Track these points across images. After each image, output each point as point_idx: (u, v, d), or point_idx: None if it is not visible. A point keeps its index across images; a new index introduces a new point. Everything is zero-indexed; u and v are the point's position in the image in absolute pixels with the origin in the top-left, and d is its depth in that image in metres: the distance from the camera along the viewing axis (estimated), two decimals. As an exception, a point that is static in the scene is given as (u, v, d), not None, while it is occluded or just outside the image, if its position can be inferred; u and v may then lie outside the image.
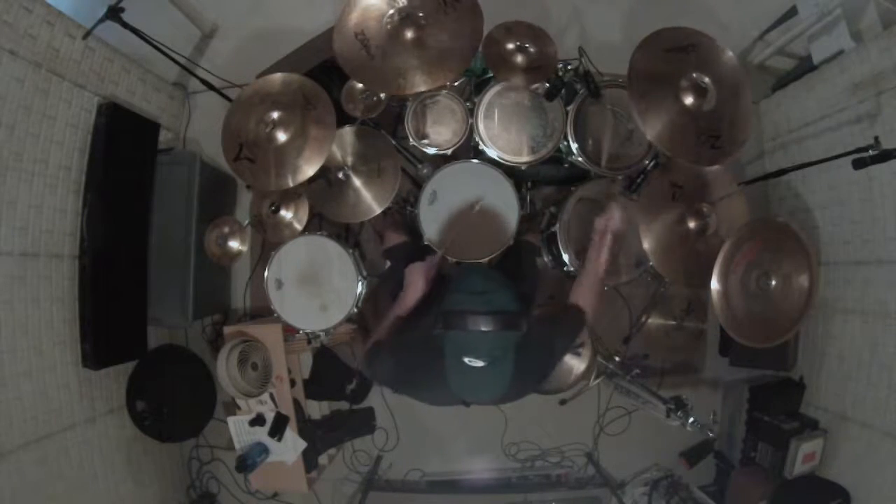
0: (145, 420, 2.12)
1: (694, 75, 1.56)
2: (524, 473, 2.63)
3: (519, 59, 1.76)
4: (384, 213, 1.92)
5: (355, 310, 1.93)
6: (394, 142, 1.98)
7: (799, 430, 2.23)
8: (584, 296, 1.45)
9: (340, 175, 1.89)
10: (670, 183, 1.78)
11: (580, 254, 1.89)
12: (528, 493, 2.54)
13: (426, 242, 1.85)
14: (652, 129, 1.51)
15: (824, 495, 2.09)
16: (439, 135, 1.95)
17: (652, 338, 2.47)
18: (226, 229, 2.04)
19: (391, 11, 1.61)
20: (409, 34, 1.59)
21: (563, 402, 2.51)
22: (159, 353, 2.28)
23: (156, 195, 2.14)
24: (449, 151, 1.93)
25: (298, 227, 1.98)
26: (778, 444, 2.22)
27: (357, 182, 1.91)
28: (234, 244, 2.04)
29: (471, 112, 1.90)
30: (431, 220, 1.86)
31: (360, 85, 1.90)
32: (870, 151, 1.52)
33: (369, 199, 1.90)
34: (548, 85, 1.81)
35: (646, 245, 1.73)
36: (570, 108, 1.90)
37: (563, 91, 1.84)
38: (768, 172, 1.98)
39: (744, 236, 1.70)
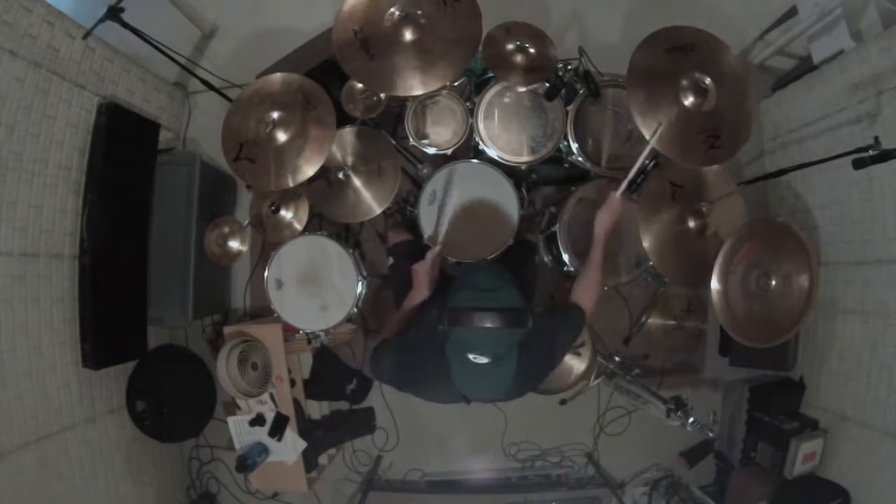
0: (145, 420, 2.12)
1: (695, 75, 1.55)
2: (524, 473, 2.63)
3: (519, 59, 1.76)
4: (385, 213, 1.92)
5: (355, 310, 1.93)
6: (394, 142, 1.98)
7: (799, 430, 2.23)
8: (584, 294, 1.47)
9: (340, 175, 1.89)
10: (670, 183, 1.78)
11: (580, 254, 1.89)
12: (528, 493, 2.54)
13: (426, 242, 1.85)
14: (652, 129, 1.51)
15: (824, 495, 2.09)
16: (439, 135, 1.95)
17: (652, 338, 2.48)
18: (226, 229, 2.04)
19: (391, 11, 1.61)
20: (409, 34, 1.59)
21: (563, 402, 2.51)
22: (159, 353, 2.28)
23: (156, 195, 2.14)
24: (449, 151, 1.93)
25: (298, 227, 1.98)
26: (778, 444, 2.22)
27: (357, 182, 1.91)
28: (234, 244, 2.04)
29: (471, 112, 1.90)
30: (431, 220, 1.86)
31: (360, 85, 1.90)
32: (870, 151, 1.52)
33: (369, 199, 1.90)
34: (548, 85, 1.81)
35: (645, 245, 1.72)
36: (570, 108, 1.90)
37: (563, 91, 1.84)
38: (768, 172, 1.98)
39: (744, 236, 1.70)
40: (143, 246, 2.09)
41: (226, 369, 1.87)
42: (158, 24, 1.95)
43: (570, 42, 2.48)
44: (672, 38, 1.59)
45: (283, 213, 1.99)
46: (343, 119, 1.87)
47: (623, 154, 1.94)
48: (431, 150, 1.93)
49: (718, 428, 2.54)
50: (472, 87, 2.04)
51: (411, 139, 1.92)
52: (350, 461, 2.56)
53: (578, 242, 1.92)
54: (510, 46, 1.77)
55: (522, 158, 1.90)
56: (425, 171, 1.94)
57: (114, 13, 1.64)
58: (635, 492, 2.53)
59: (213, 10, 2.51)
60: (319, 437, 2.22)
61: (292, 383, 2.09)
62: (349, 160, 1.92)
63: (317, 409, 2.39)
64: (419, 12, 1.59)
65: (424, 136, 1.95)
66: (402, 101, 1.96)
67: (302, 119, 1.66)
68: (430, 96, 1.94)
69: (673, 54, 1.57)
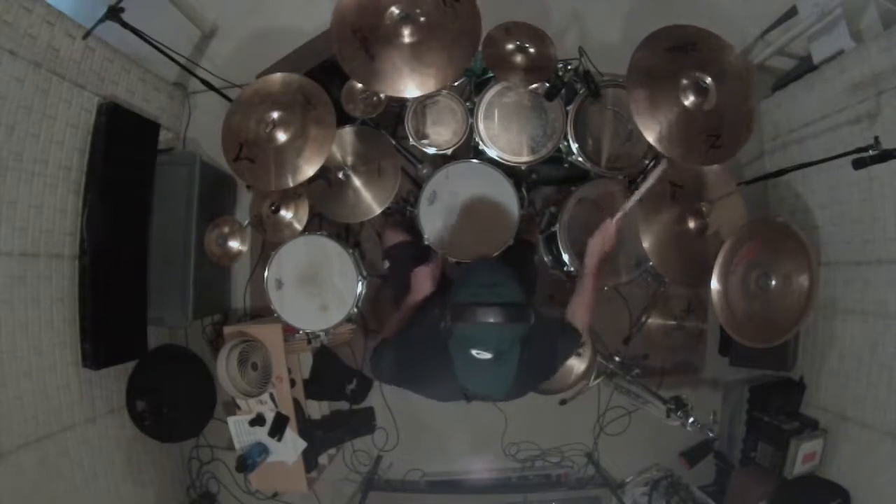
0: (145, 420, 2.12)
1: (696, 74, 1.55)
2: (524, 473, 2.63)
3: (519, 59, 1.76)
4: (384, 213, 1.92)
5: (355, 310, 1.93)
6: (394, 142, 1.98)
7: (799, 430, 2.23)
8: (577, 316, 1.50)
9: (340, 175, 1.89)
10: (670, 183, 1.78)
11: (580, 254, 1.89)
12: (528, 493, 2.55)
13: (426, 243, 1.85)
14: (651, 129, 1.51)
15: (824, 495, 2.09)
16: (439, 135, 1.95)
17: (652, 338, 2.48)
18: (226, 229, 2.04)
19: (391, 10, 1.60)
20: (409, 34, 1.59)
21: (563, 402, 2.51)
22: (159, 353, 2.28)
23: (156, 195, 2.14)
24: (449, 151, 1.93)
25: (298, 227, 1.98)
26: (778, 444, 2.22)
27: (357, 182, 1.91)
28: (234, 244, 2.04)
29: (471, 112, 1.90)
30: (431, 220, 1.86)
31: (360, 85, 1.90)
32: (870, 151, 1.52)
33: (369, 199, 1.90)
34: (548, 85, 1.81)
35: (645, 245, 1.72)
36: (570, 108, 1.90)
37: (563, 91, 1.84)
38: (768, 172, 1.99)
39: (744, 236, 1.70)
40: (143, 246, 2.09)
41: (226, 369, 1.87)
42: (158, 24, 1.95)
43: (570, 42, 2.48)
44: (673, 38, 1.58)
45: (283, 213, 1.98)
46: (343, 119, 1.87)
47: (623, 154, 1.94)
48: (431, 150, 1.93)
49: (718, 428, 2.53)
50: (472, 87, 2.04)
51: (411, 139, 1.92)
52: (350, 461, 2.56)
53: (578, 242, 1.91)
54: (510, 46, 1.77)
55: (522, 158, 1.90)
56: (425, 171, 1.94)
57: (114, 13, 1.64)
58: (635, 492, 2.53)
59: (213, 10, 2.51)
60: (319, 437, 2.22)
61: (292, 383, 2.09)
62: (349, 160, 1.92)
63: (317, 409, 2.39)
64: (419, 12, 1.59)
65: (424, 136, 1.95)
66: (402, 101, 1.95)
67: (302, 119, 1.66)
68: (429, 96, 1.93)
69: (673, 54, 1.57)
